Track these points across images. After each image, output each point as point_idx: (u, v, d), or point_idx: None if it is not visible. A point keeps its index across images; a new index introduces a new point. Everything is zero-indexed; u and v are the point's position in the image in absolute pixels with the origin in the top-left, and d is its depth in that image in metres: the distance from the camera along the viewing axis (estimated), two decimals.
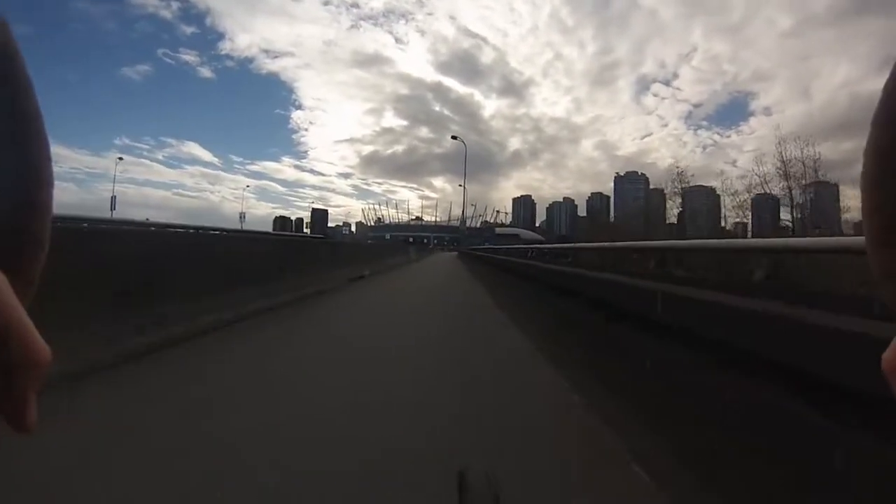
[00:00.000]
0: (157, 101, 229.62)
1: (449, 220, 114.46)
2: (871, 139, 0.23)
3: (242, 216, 50.96)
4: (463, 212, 42.98)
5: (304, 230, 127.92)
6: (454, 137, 35.42)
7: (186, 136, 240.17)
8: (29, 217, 0.23)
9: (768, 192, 37.07)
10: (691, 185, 41.62)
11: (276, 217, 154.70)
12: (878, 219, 0.23)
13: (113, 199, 33.95)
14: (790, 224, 35.75)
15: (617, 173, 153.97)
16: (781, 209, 37.67)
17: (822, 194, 37.57)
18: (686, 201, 53.51)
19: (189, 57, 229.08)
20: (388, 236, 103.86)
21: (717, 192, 40.79)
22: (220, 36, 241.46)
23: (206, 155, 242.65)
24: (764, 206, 48.00)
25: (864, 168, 0.23)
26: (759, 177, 35.10)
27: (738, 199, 39.43)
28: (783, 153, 29.67)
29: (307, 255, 8.71)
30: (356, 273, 9.85)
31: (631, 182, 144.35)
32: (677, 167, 43.08)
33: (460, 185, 35.97)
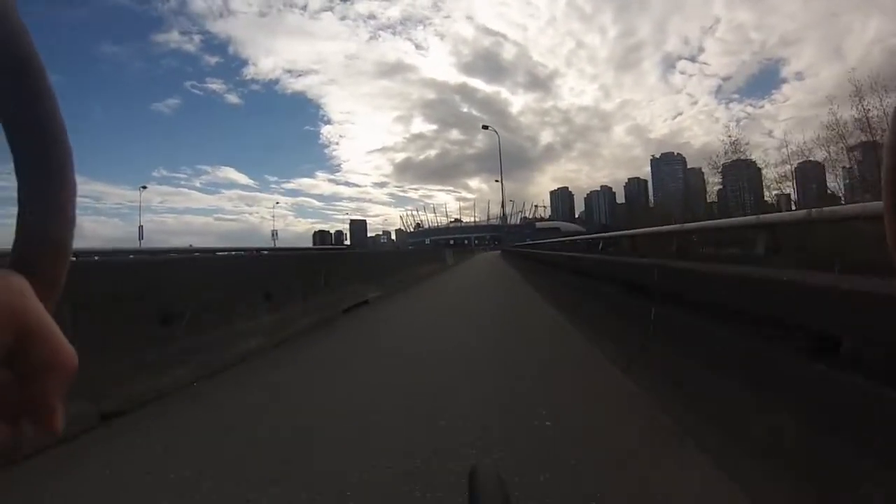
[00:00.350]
0: (189, 131, 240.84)
1: (488, 219, 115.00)
2: (890, 135, 0.25)
3: (275, 233, 51.82)
4: (502, 207, 41.30)
5: (344, 242, 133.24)
6: (485, 127, 36.93)
7: (221, 161, 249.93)
8: (54, 223, 0.24)
9: (812, 159, 34.09)
10: (741, 156, 39.33)
11: (315, 231, 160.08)
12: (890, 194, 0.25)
13: (140, 228, 34.83)
14: (841, 192, 32.61)
15: (653, 156, 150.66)
16: (828, 176, 34.71)
17: (870, 156, 36.71)
18: (727, 178, 52.19)
19: (216, 86, 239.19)
20: (427, 241, 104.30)
21: (758, 165, 39.59)
22: (244, 62, 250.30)
23: (241, 178, 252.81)
24: (809, 174, 49.35)
25: (885, 164, 0.25)
26: (798, 146, 33.52)
27: (777, 171, 37.32)
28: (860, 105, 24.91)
29: (293, 278, 5.13)
30: (357, 297, 6.44)
31: (668, 164, 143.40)
32: (729, 136, 39.50)
33: (496, 181, 36.34)
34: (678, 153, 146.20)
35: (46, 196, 0.24)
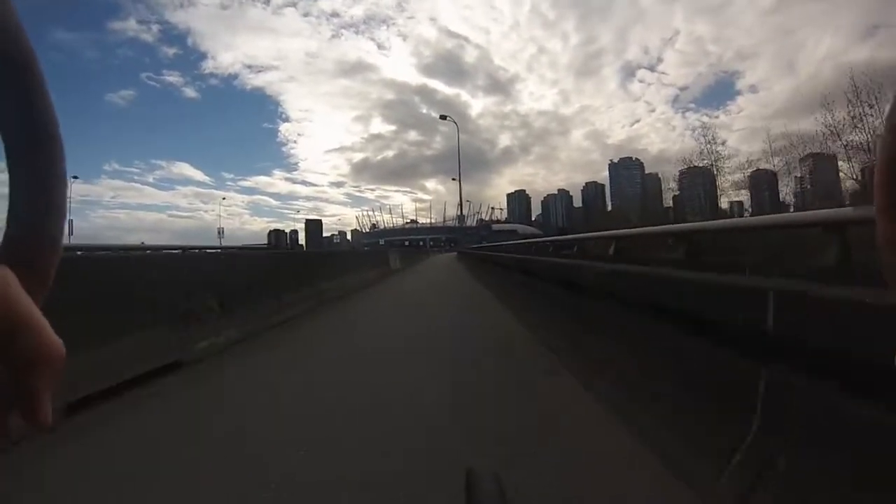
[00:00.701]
0: (144, 124, 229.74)
1: (444, 220, 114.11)
2: (883, 142, 0.24)
3: (221, 231, 47.60)
4: (460, 206, 33.99)
5: (299, 242, 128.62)
6: (444, 117, 31.21)
7: (176, 156, 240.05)
8: (45, 217, 0.23)
9: (764, 167, 36.39)
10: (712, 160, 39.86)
11: (271, 231, 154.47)
12: (888, 219, 0.24)
13: (70, 223, 32.49)
14: (792, 199, 34.97)
15: (611, 160, 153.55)
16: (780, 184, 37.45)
17: (822, 167, 37.29)
18: (683, 184, 53.23)
19: (173, 78, 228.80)
20: (382, 241, 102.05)
21: (714, 172, 39.73)
22: (203, 55, 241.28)
23: (197, 174, 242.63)
24: (762, 182, 47.66)
25: (877, 169, 0.24)
26: (748, 156, 35.38)
27: (731, 178, 38.26)
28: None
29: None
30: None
31: (626, 168, 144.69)
32: (705, 138, 40.36)
33: (453, 180, 32.41)
34: (636, 158, 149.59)
35: (37, 191, 0.24)
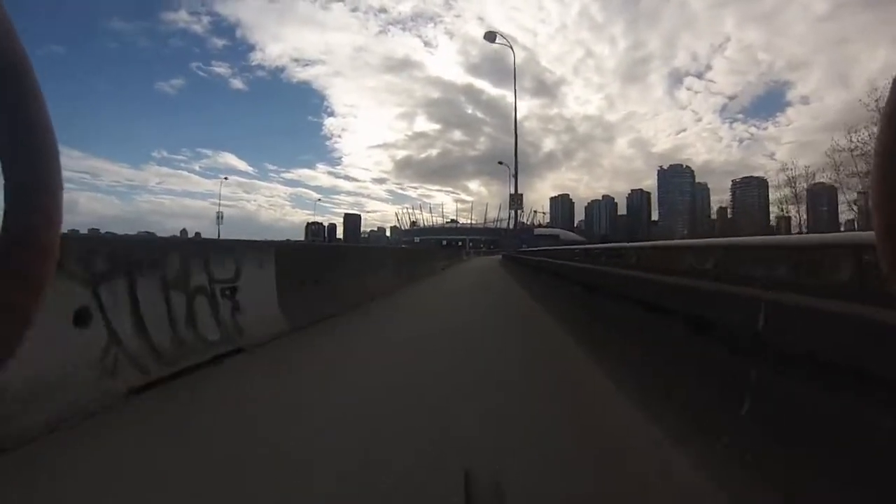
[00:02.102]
0: (192, 113, 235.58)
1: (485, 222, 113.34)
2: (878, 135, 0.25)
3: (220, 216, 40.72)
4: (514, 194, 25.01)
5: (337, 237, 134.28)
6: (491, 36, 22.75)
7: (222, 146, 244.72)
8: (40, 225, 0.24)
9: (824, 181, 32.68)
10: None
11: (308, 223, 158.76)
12: (882, 215, 0.25)
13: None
14: (856, 214, 31.62)
15: (660, 167, 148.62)
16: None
17: None
18: (736, 196, 52.17)
19: (221, 69, 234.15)
20: (417, 239, 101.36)
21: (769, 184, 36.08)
22: (251, 47, 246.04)
23: (241, 164, 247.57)
24: (820, 197, 46.00)
25: (873, 165, 0.25)
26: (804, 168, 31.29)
27: (781, 193, 35.59)
28: None
29: None
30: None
31: (676, 175, 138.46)
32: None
33: (500, 163, 28.07)
34: (687, 165, 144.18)
35: (33, 198, 0.24)
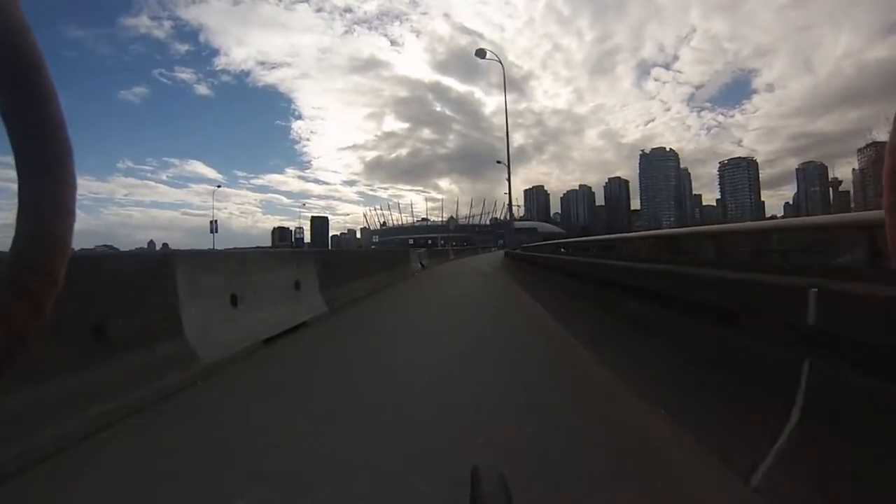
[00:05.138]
0: (156, 121, 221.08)
1: (457, 219, 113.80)
2: (892, 137, 0.24)
3: (214, 224, 37.21)
4: (508, 171, 20.91)
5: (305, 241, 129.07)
6: (482, 54, 21.38)
7: (189, 154, 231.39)
8: (54, 221, 0.24)
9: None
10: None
11: (275, 228, 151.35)
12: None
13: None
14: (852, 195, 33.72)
15: (642, 151, 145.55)
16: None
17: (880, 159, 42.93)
18: (725, 179, 59.07)
19: (185, 75, 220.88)
20: (375, 238, 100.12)
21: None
22: (215, 51, 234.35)
23: (210, 172, 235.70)
24: (811, 176, 51.68)
25: (885, 166, 0.25)
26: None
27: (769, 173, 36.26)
28: None
29: None
30: None
31: (661, 159, 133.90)
32: None
33: (498, 163, 24.46)
34: (671, 149, 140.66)
35: (47, 194, 0.24)
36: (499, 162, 27.77)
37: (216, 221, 37.40)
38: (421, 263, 15.23)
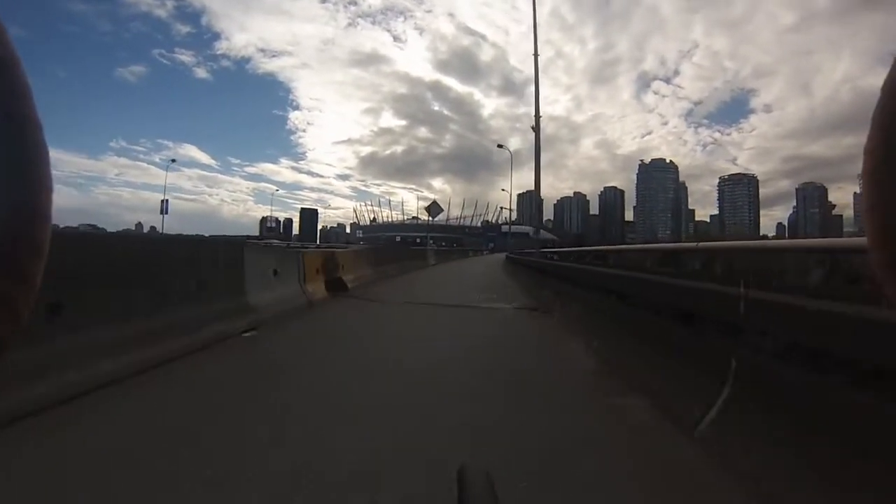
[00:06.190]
0: (152, 102, 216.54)
1: (447, 220, 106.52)
2: (869, 138, 0.23)
3: (165, 203, 36.71)
4: (537, 159, 15.32)
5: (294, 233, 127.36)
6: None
7: (183, 138, 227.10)
8: (29, 223, 0.23)
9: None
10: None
11: (262, 218, 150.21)
12: (876, 218, 0.23)
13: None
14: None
15: (641, 160, 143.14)
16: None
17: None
18: (725, 195, 57.70)
19: (185, 57, 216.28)
20: (358, 233, 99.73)
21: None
22: (216, 35, 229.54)
23: (203, 157, 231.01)
24: (811, 197, 51.63)
25: (864, 167, 0.24)
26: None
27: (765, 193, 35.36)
28: None
29: None
30: None
31: (660, 170, 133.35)
32: None
33: (509, 159, 19.26)
34: (670, 160, 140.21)
35: (21, 196, 0.23)
36: (500, 146, 27.94)
37: (167, 201, 38.63)
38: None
